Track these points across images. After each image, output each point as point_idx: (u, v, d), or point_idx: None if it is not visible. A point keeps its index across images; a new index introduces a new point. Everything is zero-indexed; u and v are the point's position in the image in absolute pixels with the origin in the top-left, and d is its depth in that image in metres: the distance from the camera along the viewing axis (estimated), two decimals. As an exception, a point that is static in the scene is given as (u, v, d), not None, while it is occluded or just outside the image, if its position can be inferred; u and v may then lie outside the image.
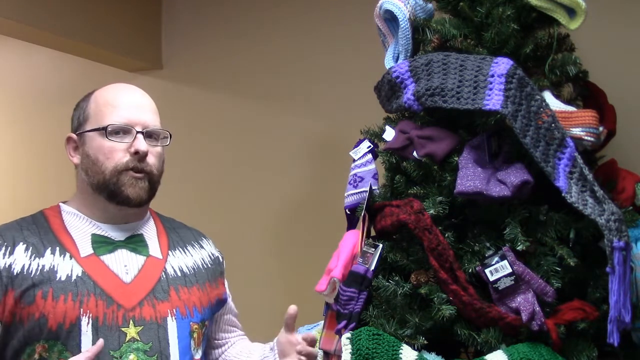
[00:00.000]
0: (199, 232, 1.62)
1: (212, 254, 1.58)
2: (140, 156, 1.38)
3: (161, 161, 1.46)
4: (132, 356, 1.32)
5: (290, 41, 2.64)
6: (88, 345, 1.31)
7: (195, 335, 1.43)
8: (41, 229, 1.40)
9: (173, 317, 1.39)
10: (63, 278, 1.34)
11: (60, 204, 1.47)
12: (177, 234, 1.54)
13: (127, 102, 1.41)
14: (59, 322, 1.31)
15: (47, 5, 2.47)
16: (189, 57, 2.87)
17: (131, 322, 1.34)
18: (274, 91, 2.68)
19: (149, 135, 1.42)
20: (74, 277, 1.34)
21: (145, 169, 1.40)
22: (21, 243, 1.37)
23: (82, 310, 1.32)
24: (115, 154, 1.38)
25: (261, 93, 2.71)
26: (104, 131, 1.38)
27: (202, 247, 1.57)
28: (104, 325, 1.32)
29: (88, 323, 1.32)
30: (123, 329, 1.33)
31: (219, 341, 1.61)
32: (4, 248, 1.35)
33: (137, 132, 1.39)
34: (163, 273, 1.43)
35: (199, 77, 2.85)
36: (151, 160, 1.41)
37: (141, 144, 1.38)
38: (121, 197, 1.39)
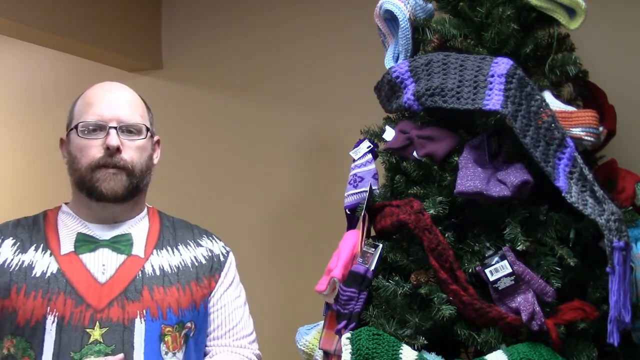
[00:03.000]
0: (205, 231, 1.58)
1: (210, 251, 1.53)
2: (111, 152, 1.38)
3: (145, 155, 1.45)
4: (92, 358, 1.30)
5: (290, 41, 2.64)
6: (50, 344, 1.31)
7: (167, 338, 1.38)
8: (35, 227, 1.44)
9: (142, 319, 1.36)
10: (38, 274, 1.36)
11: (63, 204, 1.50)
12: (173, 234, 1.51)
13: (101, 100, 1.43)
14: (26, 319, 1.33)
15: (47, 5, 2.47)
16: (189, 57, 2.87)
17: (97, 323, 1.33)
18: (274, 91, 2.68)
19: (126, 130, 1.42)
20: (48, 274, 1.36)
21: (119, 164, 1.39)
22: (10, 238, 1.41)
23: (49, 308, 1.33)
24: (90, 150, 1.39)
25: (261, 93, 2.71)
26: (76, 130, 1.41)
27: (199, 245, 1.53)
28: (68, 325, 1.32)
29: (53, 322, 1.32)
30: (88, 330, 1.33)
31: (206, 347, 1.51)
32: None
33: (110, 128, 1.39)
34: (140, 272, 1.40)
35: (199, 77, 2.85)
36: (128, 154, 1.41)
37: (112, 139, 1.38)
38: (96, 193, 1.40)
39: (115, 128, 1.39)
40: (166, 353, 1.38)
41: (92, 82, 1.53)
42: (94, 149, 1.39)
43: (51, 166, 3.16)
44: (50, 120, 3.20)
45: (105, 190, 1.39)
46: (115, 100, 1.43)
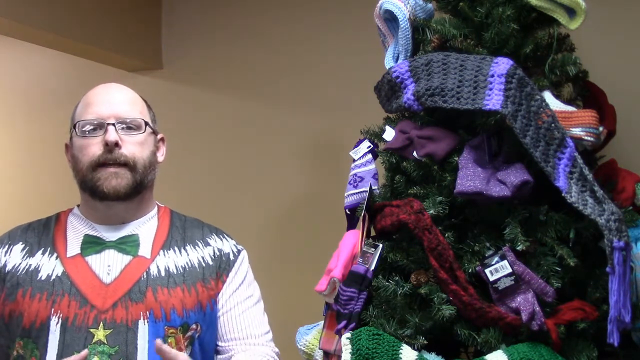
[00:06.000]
0: (216, 229, 1.56)
1: (219, 250, 1.50)
2: (110, 147, 1.38)
3: (147, 150, 1.45)
4: (95, 359, 1.31)
5: (290, 41, 2.64)
6: (55, 344, 1.32)
7: (171, 340, 1.37)
8: (45, 230, 1.46)
9: (145, 320, 1.36)
10: (43, 277, 1.37)
11: (75, 206, 1.52)
12: (182, 234, 1.50)
13: (100, 99, 1.43)
14: (31, 321, 1.34)
15: (47, 5, 2.47)
16: (189, 57, 2.87)
17: (101, 324, 1.34)
18: (274, 91, 2.68)
19: (126, 126, 1.42)
20: (53, 277, 1.37)
21: (119, 159, 1.39)
22: (20, 242, 1.43)
23: (53, 309, 1.34)
24: (90, 149, 1.40)
25: (261, 93, 2.71)
26: (75, 129, 1.42)
27: (207, 244, 1.51)
28: (72, 325, 1.33)
29: (57, 323, 1.33)
30: (91, 331, 1.33)
31: (221, 347, 1.50)
32: (6, 247, 1.42)
33: (108, 124, 1.40)
34: (144, 273, 1.40)
35: (199, 77, 2.85)
36: (128, 149, 1.40)
37: (110, 134, 1.38)
38: (99, 192, 1.40)
39: (114, 124, 1.40)
40: None
41: (92, 82, 1.54)
42: (94, 147, 1.39)
43: (51, 166, 3.16)
44: (51, 120, 3.20)
45: (107, 189, 1.38)
46: (113, 99, 1.44)
